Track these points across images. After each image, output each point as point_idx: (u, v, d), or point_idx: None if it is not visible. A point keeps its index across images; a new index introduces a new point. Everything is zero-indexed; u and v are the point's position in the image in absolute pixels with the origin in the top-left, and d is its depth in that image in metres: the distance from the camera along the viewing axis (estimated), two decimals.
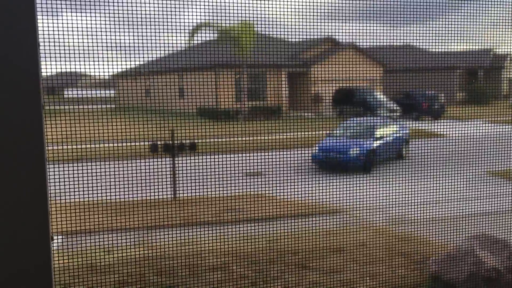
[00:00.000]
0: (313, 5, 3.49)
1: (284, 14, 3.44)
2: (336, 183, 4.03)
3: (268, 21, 3.56)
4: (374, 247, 4.45)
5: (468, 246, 4.37)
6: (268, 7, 3.27)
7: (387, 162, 8.29)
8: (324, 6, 3.73)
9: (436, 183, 4.40)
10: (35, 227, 1.31)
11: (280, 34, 3.72)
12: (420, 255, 4.70)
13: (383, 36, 3.80)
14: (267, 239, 4.86)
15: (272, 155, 3.98)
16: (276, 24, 3.70)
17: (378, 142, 9.73)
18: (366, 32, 3.75)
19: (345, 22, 3.82)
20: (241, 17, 3.35)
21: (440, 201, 4.38)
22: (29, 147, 1.28)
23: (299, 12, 3.60)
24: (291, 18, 3.54)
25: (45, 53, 3.01)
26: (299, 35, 3.85)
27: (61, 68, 3.44)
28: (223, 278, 4.31)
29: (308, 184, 4.03)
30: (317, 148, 8.90)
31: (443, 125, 4.23)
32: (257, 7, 3.28)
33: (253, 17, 3.39)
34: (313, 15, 3.66)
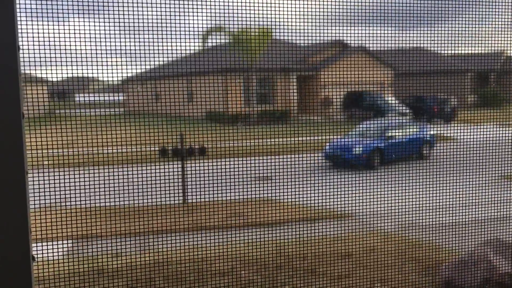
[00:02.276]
0: (322, 9, 3.47)
1: (293, 18, 3.42)
2: (346, 187, 3.99)
3: (277, 24, 3.54)
4: (385, 253, 4.40)
5: (481, 251, 4.31)
6: (277, 11, 3.26)
7: (401, 161, 8.30)
8: (333, 9, 3.70)
9: (449, 187, 4.35)
10: (14, 247, 1.16)
11: (289, 38, 3.70)
12: (432, 261, 4.64)
13: (393, 39, 3.77)
14: (275, 244, 4.83)
15: (281, 159, 3.95)
16: (285, 28, 3.68)
17: (387, 141, 9.84)
18: (376, 35, 3.72)
19: (355, 26, 3.79)
20: (250, 21, 3.34)
21: (452, 205, 4.32)
22: (7, 160, 1.12)
23: (308, 15, 3.58)
24: (300, 22, 3.52)
25: (56, 59, 3.02)
26: (308, 38, 3.83)
27: (72, 74, 3.44)
28: (231, 283, 4.29)
29: (317, 189, 4.00)
30: (328, 145, 9.19)
31: (455, 129, 4.17)
32: (266, 10, 3.27)
33: (262, 21, 3.37)
34: (322, 19, 3.64)
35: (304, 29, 3.64)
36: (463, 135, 4.09)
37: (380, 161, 9.64)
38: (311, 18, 3.61)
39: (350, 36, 3.75)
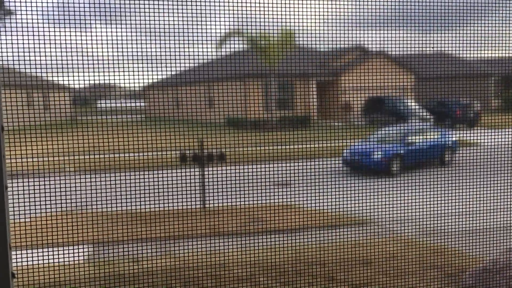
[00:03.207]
0: (343, 13, 3.45)
1: (313, 23, 3.41)
2: (365, 193, 3.95)
3: (297, 30, 3.53)
4: (406, 260, 4.33)
5: (506, 258, 4.21)
6: (297, 16, 3.25)
7: (422, 167, 8.20)
8: (354, 13, 3.68)
9: (472, 193, 4.27)
10: None
11: (309, 43, 3.68)
12: (455, 268, 4.55)
13: (415, 43, 3.73)
14: (295, 250, 4.80)
15: (301, 164, 3.93)
16: (305, 33, 3.67)
17: (408, 147, 9.77)
18: (397, 40, 3.68)
19: (375, 30, 3.76)
20: (269, 26, 3.34)
21: (476, 211, 4.24)
22: None
23: (328, 20, 3.56)
24: (320, 26, 3.51)
25: (77, 65, 3.07)
26: (328, 43, 3.82)
27: (94, 80, 3.49)
28: None
29: (337, 194, 3.96)
30: (346, 151, 9.16)
31: (478, 134, 4.10)
32: (285, 16, 3.27)
33: (281, 26, 3.38)
34: (343, 23, 3.62)
35: (324, 34, 3.63)
36: (488, 140, 4.01)
37: (400, 167, 9.56)
38: (331, 23, 3.60)
39: (371, 41, 3.72)
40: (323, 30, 3.52)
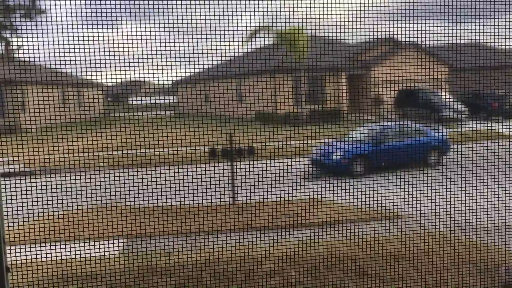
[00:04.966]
0: (373, 5, 3.40)
1: (343, 15, 3.37)
2: (397, 187, 3.89)
3: (327, 23, 3.50)
4: (440, 255, 4.25)
5: None
6: (327, 9, 3.22)
7: (397, 168, 7.67)
8: (384, 4, 3.62)
9: (509, 188, 4.15)
10: None
11: (339, 36, 3.64)
12: (490, 263, 4.44)
13: (448, 34, 3.64)
14: (325, 245, 4.78)
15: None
16: (335, 26, 3.63)
17: (375, 147, 9.04)
18: (430, 31, 3.60)
19: (407, 21, 3.68)
20: (299, 20, 3.32)
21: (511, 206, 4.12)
22: None
23: (358, 11, 3.51)
24: (351, 19, 3.46)
25: (110, 62, 3.12)
26: (359, 36, 3.77)
27: (125, 77, 3.55)
28: (280, 283, 4.28)
29: (368, 189, 3.92)
30: (314, 150, 8.75)
31: None
32: (315, 9, 3.24)
33: (311, 20, 3.35)
34: (374, 15, 3.56)
35: (354, 26, 3.58)
36: None
37: (366, 168, 9.06)
38: (362, 15, 3.55)
39: (403, 32, 3.65)
40: (354, 22, 3.47)
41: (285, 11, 3.26)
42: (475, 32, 3.68)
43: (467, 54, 4.00)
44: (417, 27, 3.55)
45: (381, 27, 3.65)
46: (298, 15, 3.23)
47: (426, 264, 4.27)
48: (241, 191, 6.95)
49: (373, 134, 9.63)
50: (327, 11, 3.23)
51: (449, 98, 14.44)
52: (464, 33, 3.63)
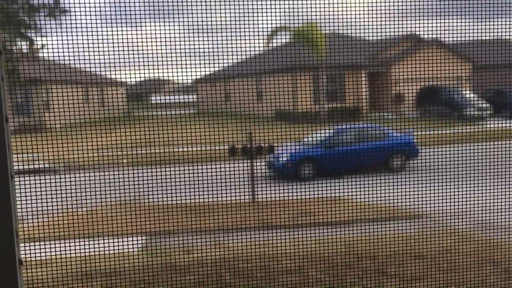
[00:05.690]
0: (395, 1, 3.37)
1: (364, 12, 3.35)
2: (418, 186, 3.86)
3: (348, 20, 3.49)
4: (461, 254, 4.20)
5: None
6: (348, 5, 3.21)
7: (356, 171, 7.21)
8: (406, 1, 3.58)
9: None
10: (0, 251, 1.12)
11: (360, 33, 3.63)
12: None
13: (471, 30, 3.58)
14: (344, 243, 4.76)
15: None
16: (356, 23, 3.62)
17: (327, 150, 8.69)
18: (452, 27, 3.55)
19: (429, 18, 3.65)
20: (318, 18, 3.32)
21: None
22: None
23: (379, 8, 3.49)
24: (372, 16, 3.44)
25: (133, 61, 3.17)
26: (380, 33, 3.74)
27: (148, 76, 3.60)
28: (299, 281, 4.29)
29: (388, 187, 3.89)
30: (273, 155, 8.51)
31: None
32: (336, 6, 3.23)
33: (331, 17, 3.34)
34: (394, 11, 3.53)
35: (375, 23, 3.56)
36: None
37: (315, 172, 8.59)
38: (383, 12, 3.52)
39: (424, 29, 3.61)
40: (375, 19, 3.45)
41: (305, 9, 3.25)
42: (499, 29, 3.62)
43: (491, 51, 3.93)
44: (440, 24, 3.51)
45: (402, 24, 3.62)
46: (318, 12, 3.22)
47: (448, 263, 4.23)
48: (260, 189, 6.97)
49: (326, 137, 9.27)
50: (348, 8, 3.21)
51: (472, 96, 14.21)
52: (488, 29, 3.57)
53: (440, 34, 3.59)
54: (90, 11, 2.79)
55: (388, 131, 9.67)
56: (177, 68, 3.43)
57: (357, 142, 9.09)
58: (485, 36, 3.64)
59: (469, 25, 3.55)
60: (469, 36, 3.65)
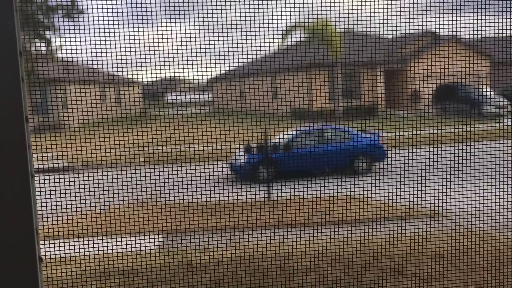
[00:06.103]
0: None
1: (380, 8, 3.32)
2: (435, 186, 3.81)
3: (364, 16, 3.46)
4: (480, 254, 4.14)
5: None
6: (363, 2, 3.18)
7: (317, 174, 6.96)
8: None
9: None
10: (21, 249, 1.15)
11: (376, 30, 3.59)
12: None
13: (489, 26, 3.53)
14: (362, 243, 4.73)
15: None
16: (371, 19, 3.58)
17: (284, 152, 8.48)
18: (470, 23, 3.50)
19: (447, 14, 3.60)
20: (333, 15, 3.29)
21: None
22: (12, 161, 1.14)
23: (396, 4, 3.45)
24: (388, 12, 3.41)
25: (149, 61, 3.19)
26: (396, 30, 3.70)
27: (164, 75, 3.61)
28: (316, 281, 4.27)
29: (404, 186, 3.85)
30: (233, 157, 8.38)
31: None
32: (351, 3, 3.20)
33: (347, 13, 3.31)
34: (411, 8, 3.49)
35: (392, 19, 3.52)
36: None
37: (274, 174, 8.28)
38: (399, 7, 3.48)
39: (442, 25, 3.56)
40: (391, 15, 3.42)
41: (320, 6, 3.23)
42: None
43: (510, 47, 3.86)
44: (458, 19, 3.46)
45: (420, 20, 3.57)
46: (334, 8, 3.20)
47: (466, 263, 4.17)
48: (277, 188, 6.95)
49: (284, 139, 9.09)
50: (365, 4, 3.18)
51: (490, 93, 14.00)
52: (507, 25, 3.51)
53: (458, 30, 3.54)
54: (106, 11, 2.81)
55: (353, 133, 9.46)
56: (192, 67, 3.44)
57: (319, 144, 8.96)
58: (504, 32, 3.58)
59: (486, 21, 3.49)
60: (487, 32, 3.59)
